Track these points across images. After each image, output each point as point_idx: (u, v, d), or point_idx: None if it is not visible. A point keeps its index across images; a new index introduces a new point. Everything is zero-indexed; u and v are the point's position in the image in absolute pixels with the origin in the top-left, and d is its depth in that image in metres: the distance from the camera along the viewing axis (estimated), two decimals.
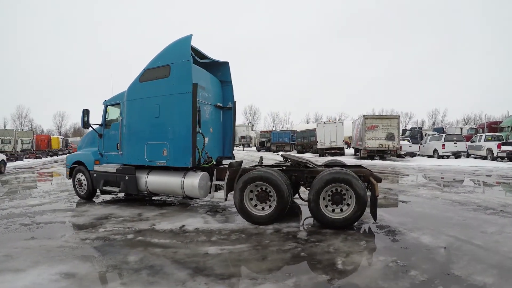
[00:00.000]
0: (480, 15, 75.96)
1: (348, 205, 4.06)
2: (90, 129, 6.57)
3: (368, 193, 4.25)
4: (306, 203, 4.25)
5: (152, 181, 5.47)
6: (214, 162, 5.51)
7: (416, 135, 26.23)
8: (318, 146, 22.35)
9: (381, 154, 17.46)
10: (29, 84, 73.38)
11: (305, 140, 27.29)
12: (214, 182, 5.08)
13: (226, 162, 5.60)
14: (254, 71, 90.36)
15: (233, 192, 4.59)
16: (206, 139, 5.39)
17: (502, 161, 15.01)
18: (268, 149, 32.04)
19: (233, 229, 4.19)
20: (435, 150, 18.10)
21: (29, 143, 30.33)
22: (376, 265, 2.94)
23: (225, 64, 6.25)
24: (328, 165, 5.33)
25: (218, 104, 6.04)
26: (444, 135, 18.96)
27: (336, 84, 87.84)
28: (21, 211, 5.63)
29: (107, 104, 6.36)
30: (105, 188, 6.06)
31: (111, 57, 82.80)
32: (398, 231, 3.97)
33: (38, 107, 72.40)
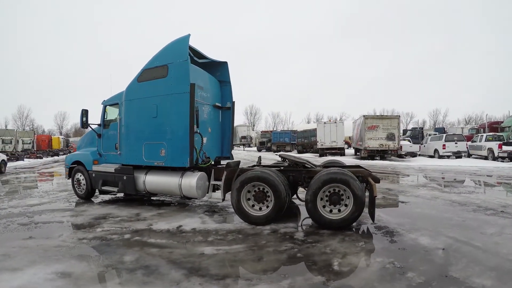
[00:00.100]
0: (480, 15, 75.87)
1: (346, 205, 4.04)
2: (89, 129, 6.58)
3: (367, 194, 4.22)
4: (304, 203, 4.23)
5: (150, 181, 5.46)
6: (213, 162, 5.50)
7: (417, 135, 26.12)
8: (319, 146, 22.32)
9: (382, 154, 17.41)
10: (29, 84, 73.68)
11: (305, 140, 27.26)
12: (212, 182, 5.06)
13: (224, 162, 5.59)
14: (254, 71, 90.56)
15: (230, 192, 4.58)
16: (204, 139, 5.38)
17: (503, 161, 14.94)
18: (269, 149, 32.03)
19: (230, 229, 4.18)
20: (436, 150, 18.03)
21: (30, 143, 30.42)
22: (372, 266, 2.92)
23: (224, 64, 6.24)
24: (326, 165, 5.31)
25: (217, 104, 6.03)
26: (444, 135, 18.89)
27: (336, 84, 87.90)
28: (20, 210, 5.64)
29: (106, 104, 6.37)
30: (103, 188, 6.06)
31: (111, 57, 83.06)
32: (396, 232, 3.94)
33: (39, 107, 72.88)
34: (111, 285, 2.67)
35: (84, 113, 6.21)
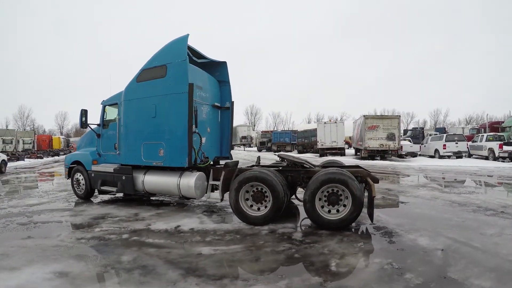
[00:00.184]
0: (480, 15, 75.71)
1: (344, 206, 4.02)
2: (89, 129, 6.59)
3: (366, 194, 4.21)
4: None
5: (149, 181, 5.46)
6: (212, 162, 5.50)
7: (418, 135, 26.07)
8: (319, 146, 22.29)
9: (382, 154, 17.37)
10: (29, 84, 73.69)
11: (306, 140, 27.24)
12: (211, 182, 5.05)
13: (223, 162, 5.58)
14: (254, 71, 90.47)
15: (228, 192, 4.57)
16: (203, 139, 5.37)
17: (503, 161, 14.89)
18: (269, 149, 32.01)
19: (228, 229, 4.17)
20: (436, 150, 17.98)
21: (30, 143, 30.49)
22: (370, 267, 2.91)
23: (223, 64, 6.23)
24: (325, 165, 5.29)
25: (216, 104, 6.02)
26: (445, 135, 18.84)
27: (336, 84, 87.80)
28: (19, 210, 5.65)
29: (105, 104, 6.37)
30: (102, 188, 6.06)
31: (111, 57, 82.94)
32: (395, 232, 3.92)
33: (39, 107, 72.90)
34: (108, 285, 2.67)
35: (84, 113, 6.22)
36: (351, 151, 25.00)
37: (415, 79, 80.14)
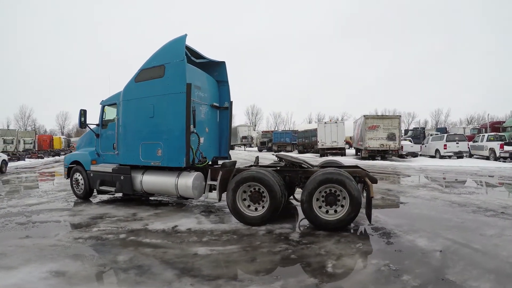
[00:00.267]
0: (480, 15, 75.38)
1: (342, 206, 4.00)
2: (88, 129, 6.60)
3: (365, 194, 4.18)
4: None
5: (147, 181, 5.46)
6: (210, 162, 5.48)
7: (419, 135, 25.98)
8: (319, 146, 22.26)
9: (382, 154, 17.33)
10: (29, 84, 73.79)
11: (306, 140, 27.21)
12: (209, 182, 5.05)
13: (222, 162, 5.58)
14: (254, 71, 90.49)
15: (226, 192, 4.56)
16: (201, 139, 5.36)
17: (504, 161, 14.82)
18: (270, 149, 31.98)
19: (225, 229, 4.16)
20: (437, 150, 17.92)
21: (31, 143, 30.61)
22: (367, 268, 2.88)
23: (222, 64, 6.22)
24: (323, 165, 5.28)
25: (214, 104, 6.00)
26: (445, 135, 18.76)
27: (337, 84, 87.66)
28: (18, 210, 5.66)
29: (104, 104, 6.38)
30: (101, 188, 6.07)
31: (111, 57, 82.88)
32: (393, 233, 3.90)
33: (41, 107, 73.19)
34: (104, 284, 2.67)
35: (83, 113, 6.23)
36: (352, 151, 24.95)
37: (415, 79, 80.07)
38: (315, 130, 24.17)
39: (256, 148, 37.92)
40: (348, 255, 3.20)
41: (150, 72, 5.29)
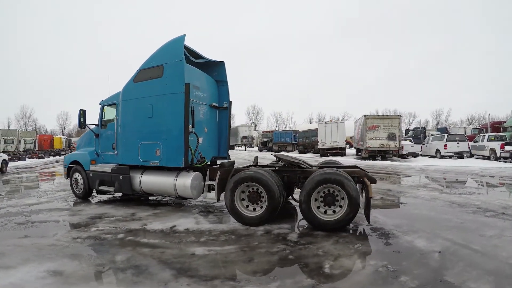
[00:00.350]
0: (480, 15, 75.18)
1: (340, 206, 3.98)
2: (88, 129, 6.60)
3: (364, 194, 4.17)
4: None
5: (146, 181, 5.46)
6: (209, 162, 5.47)
7: (419, 135, 25.94)
8: (320, 146, 22.23)
9: (383, 154, 17.29)
10: (29, 84, 73.76)
11: (306, 140, 27.18)
12: (207, 182, 5.04)
13: (220, 162, 5.57)
14: (254, 71, 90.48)
15: (224, 192, 4.55)
16: (200, 139, 5.36)
17: (505, 162, 14.76)
18: (270, 149, 31.95)
19: (223, 230, 4.15)
20: (438, 150, 17.86)
21: (31, 143, 30.67)
22: (365, 269, 2.87)
23: (221, 64, 6.21)
24: (322, 165, 5.26)
25: (214, 104, 6.00)
26: (446, 135, 18.71)
27: (337, 84, 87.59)
28: (18, 210, 5.67)
29: (103, 104, 6.38)
30: (100, 188, 6.07)
31: (111, 57, 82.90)
32: (392, 234, 3.88)
33: (41, 107, 73.25)
34: (101, 284, 2.67)
35: (82, 113, 6.24)
36: (352, 151, 24.90)
37: (415, 79, 79.95)
38: (316, 130, 24.14)
39: (256, 148, 37.90)
40: (346, 255, 3.19)
41: (149, 72, 5.29)
